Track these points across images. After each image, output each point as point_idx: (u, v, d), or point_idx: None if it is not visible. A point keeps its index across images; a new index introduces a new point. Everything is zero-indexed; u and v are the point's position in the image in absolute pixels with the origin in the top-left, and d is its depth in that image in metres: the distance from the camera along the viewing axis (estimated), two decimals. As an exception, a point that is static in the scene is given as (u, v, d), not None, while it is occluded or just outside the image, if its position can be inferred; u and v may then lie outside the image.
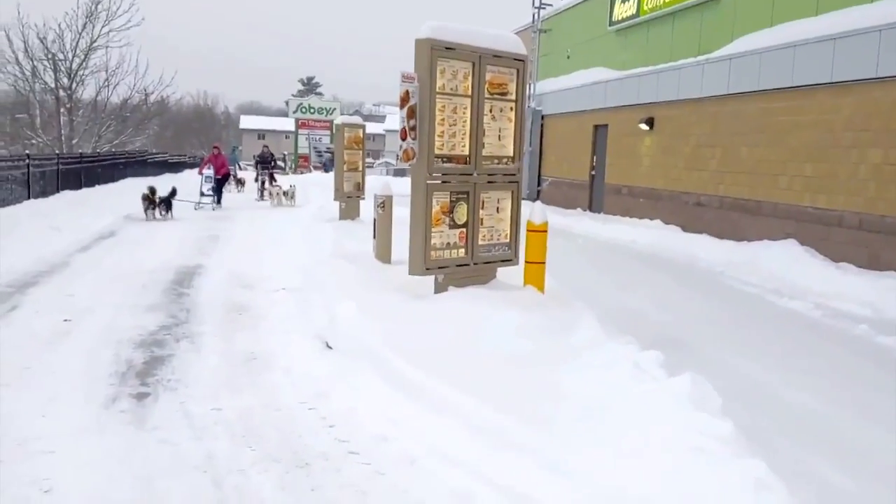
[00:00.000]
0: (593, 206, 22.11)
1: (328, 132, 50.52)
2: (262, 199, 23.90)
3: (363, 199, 16.56)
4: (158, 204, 16.89)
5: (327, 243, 12.02)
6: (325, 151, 49.64)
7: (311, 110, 54.16)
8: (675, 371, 5.16)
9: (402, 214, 9.11)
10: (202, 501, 3.94)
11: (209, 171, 20.70)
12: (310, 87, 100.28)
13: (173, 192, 17.37)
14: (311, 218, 16.93)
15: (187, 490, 4.05)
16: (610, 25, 21.82)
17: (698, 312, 9.48)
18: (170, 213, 17.11)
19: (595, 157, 22.25)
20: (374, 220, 10.82)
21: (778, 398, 6.21)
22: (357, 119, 18.28)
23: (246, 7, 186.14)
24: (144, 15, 32.74)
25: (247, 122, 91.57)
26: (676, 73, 17.64)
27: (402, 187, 12.16)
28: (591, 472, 4.07)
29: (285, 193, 21.96)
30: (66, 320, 7.56)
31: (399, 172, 49.45)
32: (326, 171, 46.93)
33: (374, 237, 10.78)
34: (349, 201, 16.49)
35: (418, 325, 6.67)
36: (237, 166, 30.99)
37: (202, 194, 20.51)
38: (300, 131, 53.13)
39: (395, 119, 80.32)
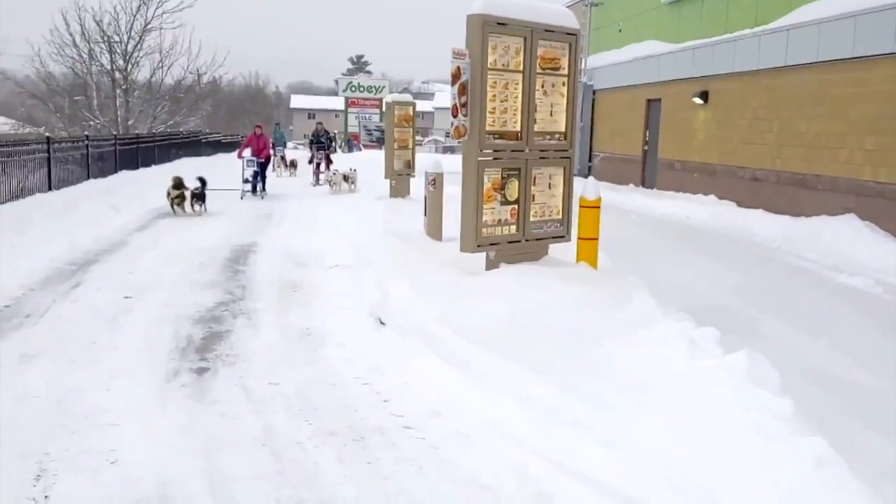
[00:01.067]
0: (646, 181, 21.83)
1: (377, 110, 50.67)
2: (319, 184, 21.78)
3: (413, 176, 16.60)
4: (192, 197, 14.36)
5: (379, 221, 12.10)
6: (375, 129, 49.76)
7: (361, 89, 54.37)
8: (731, 348, 5.10)
9: (452, 192, 9.13)
10: (262, 473, 4.02)
11: (249, 154, 18.32)
12: (359, 65, 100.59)
13: (203, 183, 14.76)
14: (363, 196, 17.01)
15: (247, 462, 4.14)
16: (663, -3, 21.42)
17: (755, 289, 9.33)
18: (203, 207, 14.57)
19: (648, 132, 21.94)
20: (425, 197, 10.85)
21: (839, 376, 6.10)
22: (407, 97, 18.28)
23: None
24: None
25: (297, 101, 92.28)
26: (732, 45, 17.25)
27: (451, 164, 12.18)
28: (645, 448, 4.06)
29: (345, 178, 19.38)
30: (126, 297, 7.75)
31: (448, 150, 49.44)
32: (350, 150, 46.58)
33: (425, 214, 10.81)
34: (399, 179, 16.54)
35: (470, 302, 6.70)
36: (284, 145, 29.03)
37: (245, 181, 18.25)
38: (350, 110, 53.42)
39: (443, 96, 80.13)
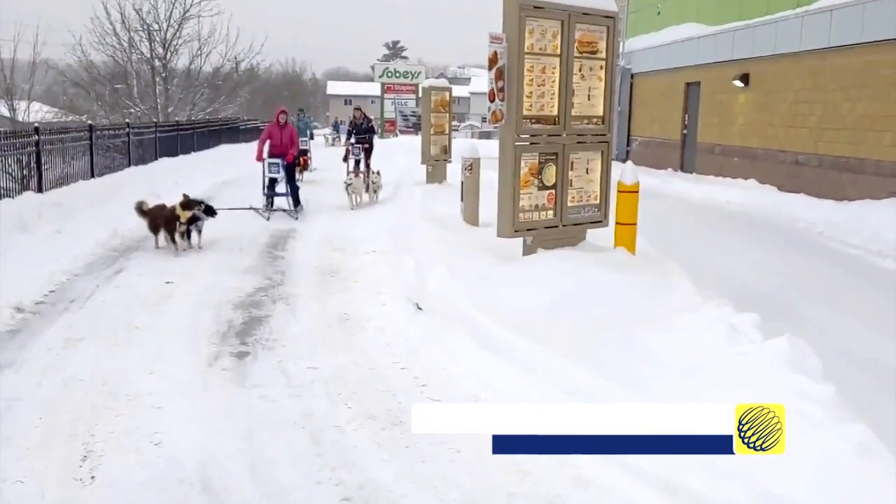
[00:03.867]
0: (685, 165, 21.57)
1: (414, 96, 50.56)
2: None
3: (450, 162, 16.55)
4: (180, 226, 9.36)
5: (415, 207, 12.09)
6: (411, 115, 49.67)
7: (397, 74, 54.23)
8: (772, 334, 5.03)
9: (489, 177, 9.10)
10: (301, 456, 4.08)
11: (271, 157, 12.64)
12: (395, 51, 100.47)
13: (208, 211, 9.76)
14: (398, 183, 17.00)
15: (287, 445, 4.20)
16: (703, -22, 21.09)
17: (796, 274, 9.20)
18: (188, 242, 9.55)
19: (687, 116, 21.66)
20: (462, 182, 10.83)
21: (883, 363, 5.98)
22: (444, 82, 18.23)
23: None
24: (234, -16, 33.25)
25: (334, 87, 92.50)
26: (773, 26, 16.94)
27: (488, 150, 12.13)
28: (685, 434, 4.02)
29: (367, 186, 14.11)
30: (168, 282, 7.87)
31: (484, 135, 49.16)
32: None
33: (462, 200, 10.79)
34: (436, 164, 16.48)
35: (507, 287, 6.68)
36: (308, 136, 23.08)
37: (266, 193, 12.84)
38: (386, 95, 53.38)
39: (479, 81, 79.77)
